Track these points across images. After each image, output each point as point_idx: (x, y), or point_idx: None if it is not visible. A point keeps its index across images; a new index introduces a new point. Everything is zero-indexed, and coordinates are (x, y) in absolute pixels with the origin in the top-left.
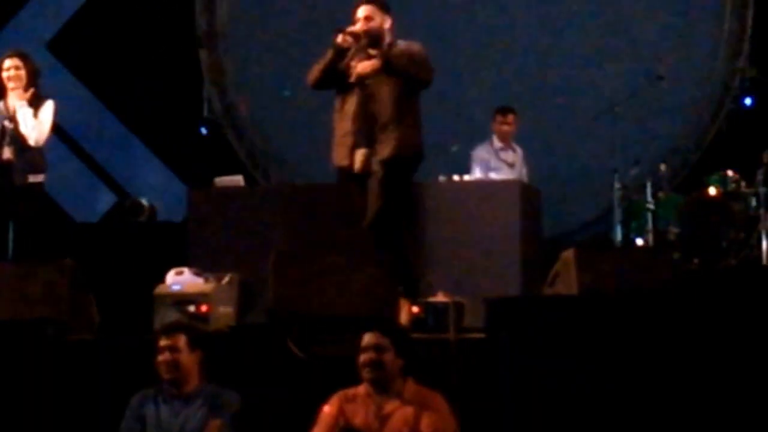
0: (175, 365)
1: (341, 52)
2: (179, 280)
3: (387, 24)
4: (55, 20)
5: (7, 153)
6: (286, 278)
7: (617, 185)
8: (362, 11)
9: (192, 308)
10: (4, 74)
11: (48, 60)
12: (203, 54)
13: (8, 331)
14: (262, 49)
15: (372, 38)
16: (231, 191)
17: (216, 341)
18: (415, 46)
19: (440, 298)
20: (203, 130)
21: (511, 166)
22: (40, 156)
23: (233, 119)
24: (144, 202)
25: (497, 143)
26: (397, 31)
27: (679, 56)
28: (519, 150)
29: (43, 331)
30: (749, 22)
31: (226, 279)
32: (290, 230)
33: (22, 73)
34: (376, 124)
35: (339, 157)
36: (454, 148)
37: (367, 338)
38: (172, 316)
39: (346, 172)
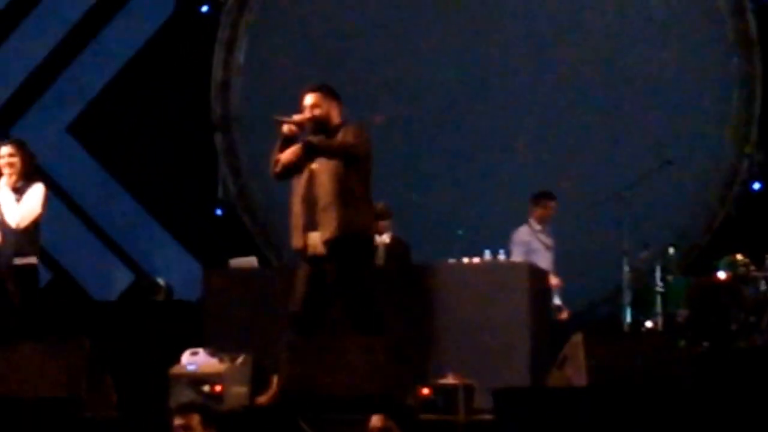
0: None
1: (290, 141)
2: (194, 360)
3: (334, 110)
4: (75, 104)
5: None
6: (298, 359)
7: (626, 268)
8: (309, 99)
9: (206, 388)
10: (0, 162)
11: (68, 142)
12: (218, 138)
13: (26, 409)
14: (274, 133)
15: (318, 125)
16: (245, 271)
17: (229, 421)
18: (352, 127)
19: (450, 380)
20: (218, 212)
21: (548, 248)
22: (31, 239)
23: (247, 201)
24: (160, 281)
25: (536, 226)
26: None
27: (688, 140)
28: (551, 235)
29: (60, 409)
30: (757, 107)
31: (240, 359)
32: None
33: (16, 160)
34: (317, 205)
35: (293, 239)
36: (460, 232)
37: (373, 421)
38: (186, 395)
39: (301, 254)
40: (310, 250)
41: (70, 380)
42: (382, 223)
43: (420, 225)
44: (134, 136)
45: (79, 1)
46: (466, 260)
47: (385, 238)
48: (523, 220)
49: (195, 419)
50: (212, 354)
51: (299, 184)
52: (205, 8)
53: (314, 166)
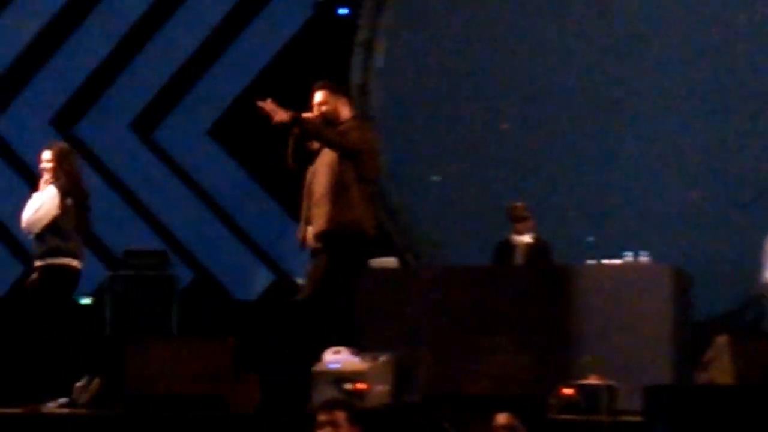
0: None
1: (302, 137)
2: (337, 358)
3: (343, 105)
4: (216, 108)
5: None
6: (441, 359)
7: None
8: (317, 97)
9: (349, 386)
10: (41, 165)
11: (208, 145)
12: None
13: (173, 406)
14: (412, 135)
15: (327, 122)
16: (385, 272)
17: (373, 419)
18: (354, 123)
19: (592, 380)
20: None
21: None
22: (43, 242)
23: (386, 203)
24: (300, 281)
25: None
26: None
27: None
28: None
29: (205, 406)
30: None
31: (383, 358)
32: (444, 311)
33: (51, 166)
34: (312, 200)
35: (298, 231)
36: (590, 239)
37: (498, 419)
38: (329, 393)
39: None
40: (308, 244)
41: (216, 378)
42: (523, 224)
43: (559, 225)
44: (273, 137)
45: (219, 6)
46: (607, 262)
47: (526, 239)
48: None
49: (341, 416)
50: (355, 353)
51: (306, 178)
52: (343, 11)
53: (318, 161)
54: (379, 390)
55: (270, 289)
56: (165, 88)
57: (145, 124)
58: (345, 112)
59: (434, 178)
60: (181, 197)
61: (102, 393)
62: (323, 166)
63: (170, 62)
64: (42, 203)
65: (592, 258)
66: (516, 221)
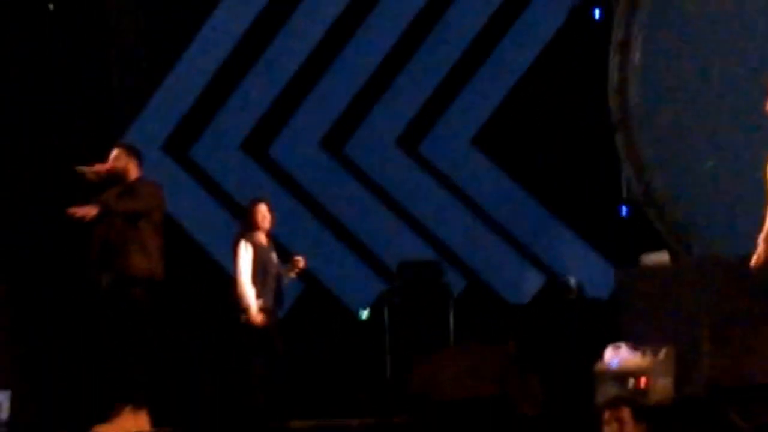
0: None
1: (92, 184)
2: (617, 355)
3: (132, 165)
4: (479, 116)
5: None
6: (722, 351)
7: None
8: (113, 153)
9: (631, 382)
10: None
11: (473, 155)
12: (619, 137)
13: (460, 411)
14: (676, 126)
15: (114, 176)
16: (656, 267)
17: (658, 414)
18: (144, 186)
19: None
20: (624, 211)
21: None
22: None
23: (652, 198)
24: (572, 280)
25: None
26: None
27: None
28: None
29: (493, 408)
30: None
31: (663, 352)
32: (720, 302)
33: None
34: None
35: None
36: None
37: None
38: (612, 390)
39: None
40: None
41: (500, 381)
42: None
43: None
44: (536, 142)
45: (476, 17)
46: None
47: None
48: None
49: (625, 412)
50: (634, 349)
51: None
52: (597, 13)
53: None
54: (662, 384)
55: (542, 290)
56: (428, 102)
57: (412, 139)
58: (134, 172)
59: (709, 163)
60: (449, 207)
61: None
62: (116, 222)
63: (432, 77)
64: None
65: None
66: None
